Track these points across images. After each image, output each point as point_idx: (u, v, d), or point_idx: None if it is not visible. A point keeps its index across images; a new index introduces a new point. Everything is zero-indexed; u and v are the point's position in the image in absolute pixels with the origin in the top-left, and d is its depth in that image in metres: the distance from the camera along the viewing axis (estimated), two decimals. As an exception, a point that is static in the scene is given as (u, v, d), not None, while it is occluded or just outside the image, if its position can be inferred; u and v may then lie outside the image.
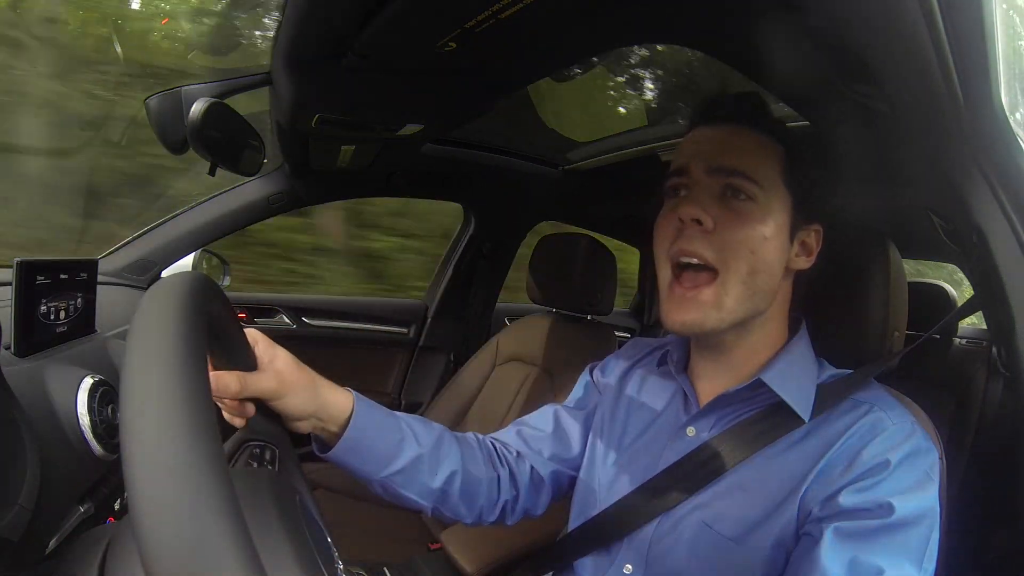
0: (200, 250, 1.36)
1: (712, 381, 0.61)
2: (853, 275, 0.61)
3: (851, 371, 0.57)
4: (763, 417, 0.55)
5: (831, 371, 0.58)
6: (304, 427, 0.56)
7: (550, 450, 0.69)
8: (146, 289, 0.81)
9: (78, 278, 0.71)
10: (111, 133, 2.23)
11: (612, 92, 1.30)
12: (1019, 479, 0.70)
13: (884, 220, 0.69)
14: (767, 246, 0.54)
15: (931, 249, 1.38)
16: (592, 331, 1.42)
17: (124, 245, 1.31)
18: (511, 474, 0.67)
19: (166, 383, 0.27)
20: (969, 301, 0.66)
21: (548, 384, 1.36)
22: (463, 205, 1.83)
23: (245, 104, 0.97)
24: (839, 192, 0.63)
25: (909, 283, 0.63)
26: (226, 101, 0.90)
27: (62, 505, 0.56)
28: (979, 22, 0.39)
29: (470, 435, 0.69)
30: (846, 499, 0.47)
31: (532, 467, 0.68)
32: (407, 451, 0.60)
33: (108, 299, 0.83)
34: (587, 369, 0.76)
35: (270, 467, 0.52)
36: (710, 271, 0.54)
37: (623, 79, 1.25)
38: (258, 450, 0.53)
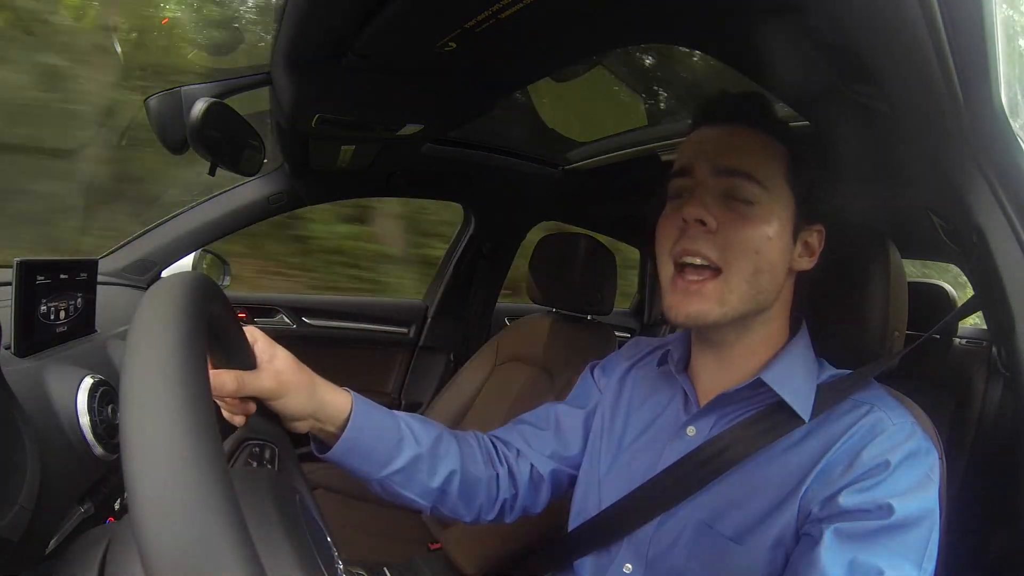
0: (200, 250, 1.36)
1: (712, 380, 0.61)
2: (853, 275, 0.61)
3: (851, 371, 0.57)
4: (763, 417, 0.55)
5: (831, 371, 0.58)
6: (302, 427, 0.56)
7: (550, 448, 0.69)
8: (146, 289, 0.81)
9: (78, 278, 0.71)
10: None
11: (615, 89, 1.29)
12: (1019, 479, 0.70)
13: (884, 220, 0.69)
14: (771, 246, 0.54)
15: (931, 249, 1.38)
16: (592, 331, 1.42)
17: (124, 245, 1.31)
18: (510, 472, 0.67)
19: (166, 383, 0.27)
20: (969, 301, 0.66)
21: (548, 384, 1.36)
22: (463, 205, 1.82)
23: (245, 104, 0.97)
24: (839, 192, 0.63)
25: (909, 283, 0.63)
26: (226, 101, 0.90)
27: (62, 505, 0.56)
28: (979, 22, 0.39)
29: (469, 433, 0.69)
30: (846, 500, 0.47)
31: (532, 465, 0.68)
32: (406, 451, 0.60)
33: (108, 299, 0.82)
34: (588, 368, 0.76)
35: (270, 467, 0.52)
36: (713, 270, 0.54)
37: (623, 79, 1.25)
38: (257, 449, 0.53)
